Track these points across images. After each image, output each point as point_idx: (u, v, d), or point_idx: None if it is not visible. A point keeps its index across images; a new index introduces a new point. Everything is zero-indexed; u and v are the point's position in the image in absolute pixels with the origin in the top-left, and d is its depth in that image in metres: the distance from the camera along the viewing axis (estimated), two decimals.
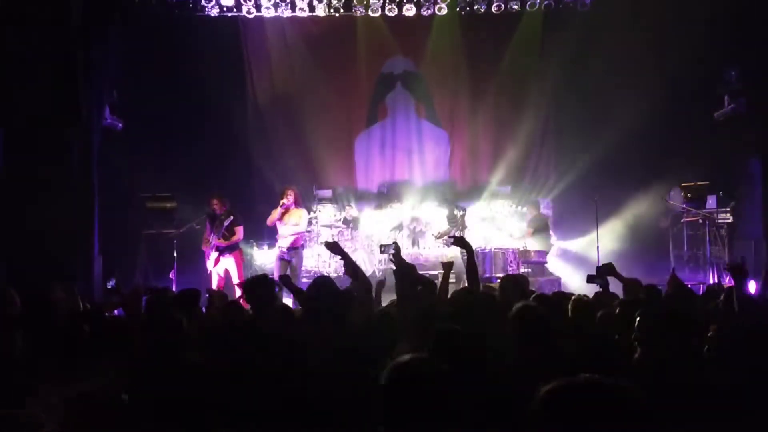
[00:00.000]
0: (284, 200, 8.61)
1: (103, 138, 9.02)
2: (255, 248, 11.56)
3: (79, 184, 8.28)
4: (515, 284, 5.10)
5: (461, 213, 10.62)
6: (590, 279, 5.30)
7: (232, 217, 8.39)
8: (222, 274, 8.59)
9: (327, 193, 12.26)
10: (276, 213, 8.64)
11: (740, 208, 10.10)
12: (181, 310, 4.78)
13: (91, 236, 8.34)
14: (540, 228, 10.75)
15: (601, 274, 5.13)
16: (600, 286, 5.14)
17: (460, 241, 5.49)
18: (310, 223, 10.51)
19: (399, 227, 11.85)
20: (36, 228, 7.77)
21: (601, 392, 1.47)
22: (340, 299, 4.25)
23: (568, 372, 1.56)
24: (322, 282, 4.53)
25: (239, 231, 8.53)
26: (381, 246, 5.65)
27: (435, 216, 11.94)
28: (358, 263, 5.48)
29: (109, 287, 5.65)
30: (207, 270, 8.73)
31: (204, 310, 5.61)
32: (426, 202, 12.26)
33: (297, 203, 8.79)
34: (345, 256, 5.10)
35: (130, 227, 10.24)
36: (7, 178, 7.97)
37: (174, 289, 8.11)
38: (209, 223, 8.60)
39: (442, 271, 5.47)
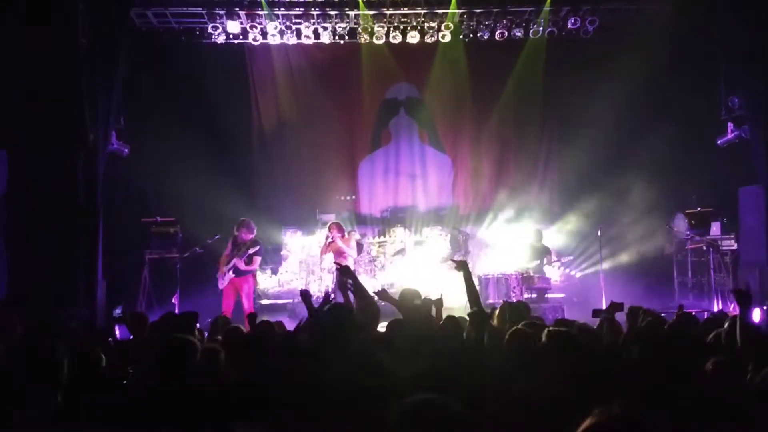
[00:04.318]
0: (328, 234, 9.42)
1: (109, 162, 9.10)
2: (259, 273, 11.59)
3: (84, 208, 8.33)
4: (513, 311, 5.09)
5: (463, 238, 10.62)
6: (596, 313, 5.25)
7: (258, 247, 8.74)
8: (231, 294, 8.70)
9: (330, 217, 12.30)
10: (324, 246, 9.57)
11: (745, 235, 10.06)
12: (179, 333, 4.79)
13: (95, 261, 8.35)
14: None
15: (611, 309, 5.05)
16: (605, 320, 5.07)
17: (462, 265, 5.45)
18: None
19: (402, 252, 11.85)
20: (39, 252, 7.81)
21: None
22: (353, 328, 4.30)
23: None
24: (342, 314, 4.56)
25: (256, 261, 8.81)
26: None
27: (438, 241, 11.94)
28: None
29: (116, 315, 5.64)
30: (218, 289, 8.81)
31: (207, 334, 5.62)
32: (429, 227, 12.28)
33: (342, 235, 9.47)
34: (356, 281, 5.17)
35: (133, 252, 10.29)
36: (11, 201, 8.03)
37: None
38: (232, 244, 8.75)
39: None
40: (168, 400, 3.03)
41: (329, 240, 9.38)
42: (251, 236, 8.72)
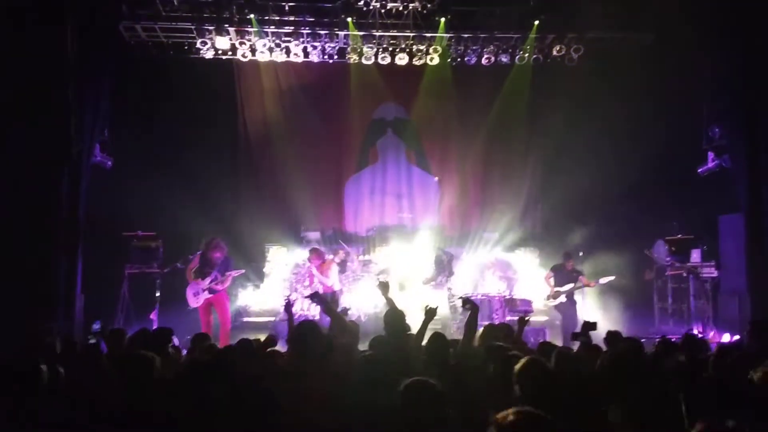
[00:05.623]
0: (310, 264, 9.48)
1: (92, 175, 9.03)
2: (240, 289, 11.50)
3: (66, 220, 8.25)
4: (496, 334, 5.10)
5: (447, 258, 10.64)
6: (574, 336, 5.31)
7: (232, 266, 8.83)
8: (208, 312, 8.66)
9: (315, 235, 12.28)
10: (309, 278, 9.74)
11: (725, 263, 10.17)
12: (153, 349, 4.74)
13: (74, 274, 8.26)
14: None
15: (585, 330, 5.12)
16: (583, 343, 5.12)
17: (469, 302, 5.35)
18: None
19: (386, 271, 11.81)
20: (19, 264, 7.71)
21: None
22: (324, 345, 4.27)
23: None
24: (308, 328, 4.54)
25: (229, 279, 8.76)
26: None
27: (422, 261, 11.93)
28: (345, 305, 5.57)
29: (94, 330, 5.56)
30: (190, 306, 8.71)
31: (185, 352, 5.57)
32: (414, 247, 12.27)
33: (321, 261, 9.50)
34: (326, 306, 5.14)
35: (113, 266, 10.15)
36: None
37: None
38: (201, 259, 8.66)
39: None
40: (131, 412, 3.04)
41: (310, 266, 9.50)
42: (221, 256, 8.69)
